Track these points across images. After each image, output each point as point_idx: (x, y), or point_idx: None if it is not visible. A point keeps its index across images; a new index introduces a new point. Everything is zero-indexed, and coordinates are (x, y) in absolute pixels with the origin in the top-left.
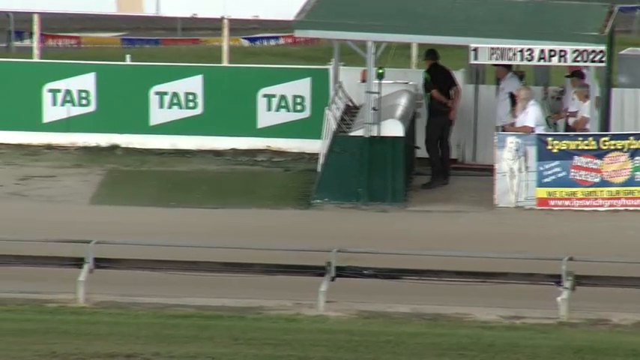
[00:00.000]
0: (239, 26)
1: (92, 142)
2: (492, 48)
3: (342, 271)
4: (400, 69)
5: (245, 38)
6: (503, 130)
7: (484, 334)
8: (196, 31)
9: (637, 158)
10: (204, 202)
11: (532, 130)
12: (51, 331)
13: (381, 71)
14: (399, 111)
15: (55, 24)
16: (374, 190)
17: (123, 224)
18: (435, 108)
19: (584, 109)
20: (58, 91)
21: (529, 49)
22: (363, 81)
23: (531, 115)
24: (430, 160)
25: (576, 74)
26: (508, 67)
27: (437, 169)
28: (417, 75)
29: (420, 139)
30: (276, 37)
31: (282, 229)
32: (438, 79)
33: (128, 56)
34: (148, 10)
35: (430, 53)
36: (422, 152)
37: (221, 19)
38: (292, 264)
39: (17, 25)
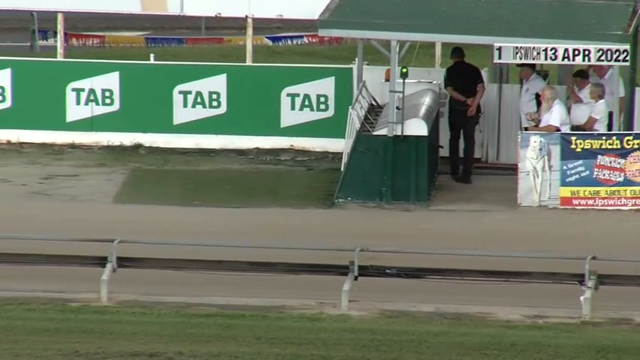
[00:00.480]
0: (263, 25)
1: (116, 141)
2: (516, 47)
3: (365, 271)
4: (424, 68)
5: (268, 37)
6: (527, 130)
7: (507, 334)
8: (220, 30)
9: None
10: (228, 201)
11: (557, 129)
12: (74, 330)
13: (404, 70)
14: (423, 110)
15: (80, 23)
16: (397, 189)
17: (146, 223)
18: (451, 105)
19: (596, 109)
20: (82, 90)
21: (553, 49)
22: (387, 80)
23: (556, 115)
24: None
25: (580, 74)
26: (532, 67)
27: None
28: (441, 74)
29: (444, 139)
30: (300, 37)
31: (305, 228)
32: (456, 77)
33: (152, 55)
34: (172, 9)
35: (454, 51)
36: (445, 151)
37: (245, 19)
38: (315, 263)
39: (41, 24)
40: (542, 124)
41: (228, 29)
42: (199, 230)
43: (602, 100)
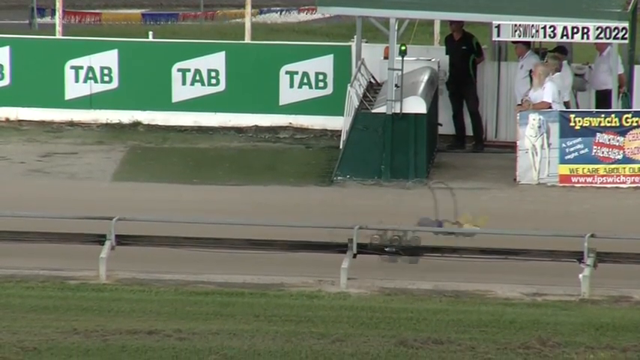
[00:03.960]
0: (262, 3)
1: (114, 119)
2: (515, 25)
3: (363, 248)
4: (423, 46)
5: (261, 10)
6: (521, 106)
7: (506, 311)
8: (219, 8)
9: None
10: (227, 179)
11: (549, 105)
12: (72, 308)
13: (403, 48)
14: (422, 88)
15: (78, 1)
16: (396, 167)
17: (145, 201)
18: (476, 74)
19: (546, 89)
20: (81, 67)
21: (552, 26)
22: (386, 58)
23: (548, 91)
24: (480, 127)
25: (559, 50)
26: (527, 44)
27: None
28: (440, 52)
29: (442, 116)
30: (294, 9)
31: (304, 206)
32: None
33: (150, 33)
34: None
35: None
36: (444, 129)
37: None
38: (314, 241)
39: (39, 1)
40: (534, 101)
41: (226, 7)
42: (198, 208)
43: (557, 74)
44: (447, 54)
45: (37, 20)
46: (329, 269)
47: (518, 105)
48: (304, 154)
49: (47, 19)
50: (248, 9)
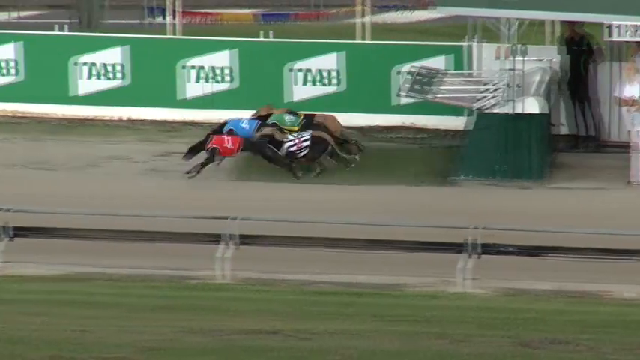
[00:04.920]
0: (378, 2)
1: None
2: (627, 25)
3: (484, 248)
4: (540, 46)
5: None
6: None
7: (626, 311)
8: (331, 8)
9: None
10: (345, 179)
11: None
12: (193, 307)
13: (517, 48)
14: (541, 88)
15: (190, 1)
16: (515, 167)
17: (263, 200)
18: (595, 74)
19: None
20: (195, 67)
21: None
22: (498, 58)
23: None
24: (598, 127)
25: None
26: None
27: None
28: (554, 52)
29: (560, 116)
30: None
31: (422, 205)
32: None
33: (271, 32)
34: None
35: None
36: (561, 129)
37: None
38: (434, 241)
39: (156, 2)
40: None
41: (339, 7)
42: (316, 208)
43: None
44: (567, 54)
45: (158, 18)
46: (448, 269)
47: (631, 104)
48: (421, 154)
49: (168, 19)
50: (359, 9)
